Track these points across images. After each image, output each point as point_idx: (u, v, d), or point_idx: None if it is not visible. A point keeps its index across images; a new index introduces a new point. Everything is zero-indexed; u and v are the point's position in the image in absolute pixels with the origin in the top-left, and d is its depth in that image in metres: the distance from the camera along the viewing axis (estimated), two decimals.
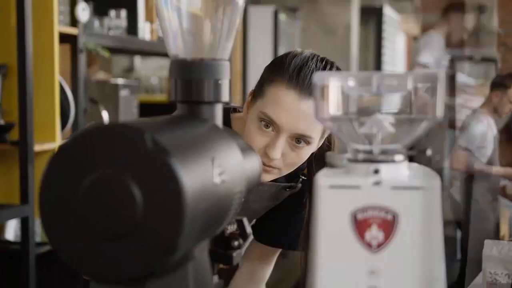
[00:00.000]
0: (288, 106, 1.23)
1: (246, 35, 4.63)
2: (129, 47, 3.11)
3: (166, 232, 0.61)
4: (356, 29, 5.85)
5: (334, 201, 0.68)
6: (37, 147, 2.39)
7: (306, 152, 1.29)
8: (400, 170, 0.70)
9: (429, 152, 4.08)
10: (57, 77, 2.48)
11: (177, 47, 0.82)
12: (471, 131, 4.39)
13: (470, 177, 4.39)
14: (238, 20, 0.84)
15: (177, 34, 0.82)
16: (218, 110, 0.81)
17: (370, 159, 0.70)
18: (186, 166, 0.62)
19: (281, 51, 5.94)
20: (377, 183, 0.68)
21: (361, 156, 0.71)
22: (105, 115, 2.93)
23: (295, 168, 1.32)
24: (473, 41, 9.49)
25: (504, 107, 4.50)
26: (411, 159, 0.73)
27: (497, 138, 4.39)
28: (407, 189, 0.67)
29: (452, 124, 4.84)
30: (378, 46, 7.23)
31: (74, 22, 2.64)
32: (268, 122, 1.25)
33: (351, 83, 0.71)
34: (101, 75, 4.56)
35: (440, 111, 0.69)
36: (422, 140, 4.34)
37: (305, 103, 1.23)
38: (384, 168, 0.69)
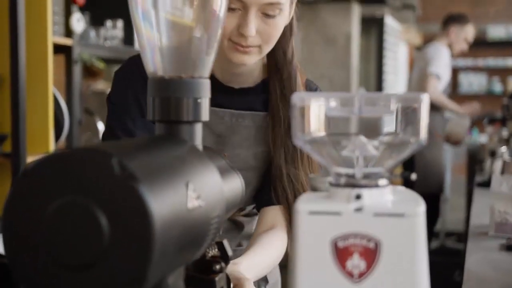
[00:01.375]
0: None
1: None
2: (125, 58, 3.08)
3: (134, 262, 0.57)
4: (357, 39, 5.83)
5: (314, 228, 0.65)
6: (30, 159, 2.36)
7: (280, 21, 1.25)
8: (383, 195, 0.67)
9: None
10: (51, 88, 2.45)
11: (155, 64, 0.79)
12: (438, 57, 4.39)
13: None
14: (219, 33, 0.81)
15: (155, 50, 0.79)
16: (198, 129, 0.78)
17: (352, 183, 0.67)
18: (156, 191, 0.59)
19: None
20: (359, 210, 0.65)
21: (343, 180, 0.68)
22: (101, 126, 2.90)
23: (274, 43, 1.27)
24: None
25: (458, 44, 4.47)
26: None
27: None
28: (390, 216, 0.64)
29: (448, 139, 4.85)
30: (379, 56, 7.21)
31: (69, 32, 2.62)
32: (231, 3, 1.20)
33: (333, 104, 0.68)
34: (100, 85, 4.54)
35: (424, 134, 0.66)
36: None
37: None
38: (366, 193, 0.66)
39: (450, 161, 6.30)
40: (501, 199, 1.95)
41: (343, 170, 0.69)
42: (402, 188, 0.73)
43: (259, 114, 1.36)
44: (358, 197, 0.66)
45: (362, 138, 0.68)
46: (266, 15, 1.22)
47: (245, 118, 1.36)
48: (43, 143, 2.42)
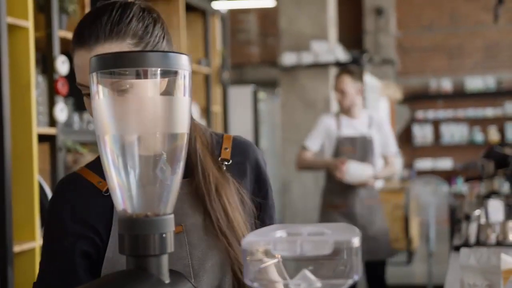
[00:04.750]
0: (84, 63, 1.20)
1: (226, 115, 4.74)
2: None
3: None
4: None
5: None
6: (17, 248, 2.43)
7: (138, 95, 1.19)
8: None
9: None
10: (36, 178, 2.54)
11: (125, 203, 0.89)
12: (313, 128, 4.25)
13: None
14: (179, 176, 0.90)
15: (124, 191, 0.88)
16: (164, 260, 0.88)
17: None
18: None
19: (262, 128, 6.10)
20: None
21: None
22: None
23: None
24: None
25: (337, 98, 4.25)
26: None
27: (340, 139, 4.20)
28: None
29: None
30: None
31: (53, 122, 2.73)
32: (85, 90, 1.22)
33: (278, 246, 0.77)
34: (88, 157, 4.62)
35: (358, 272, 0.76)
36: None
37: (95, 53, 1.19)
38: None
39: (434, 214, 6.40)
40: (470, 272, 2.03)
41: None
42: None
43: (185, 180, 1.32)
44: None
45: (307, 273, 0.78)
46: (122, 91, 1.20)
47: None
48: (29, 231, 2.50)
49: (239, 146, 1.39)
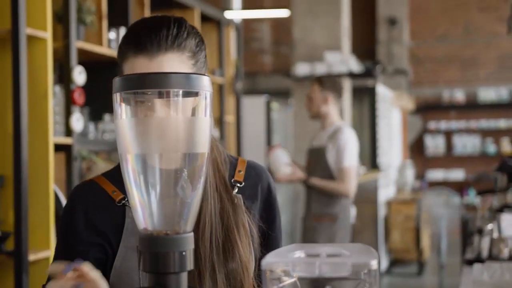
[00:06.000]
0: (139, 69, 1.21)
1: (239, 124, 4.76)
2: None
3: None
4: (349, 112, 5.98)
5: None
6: (32, 257, 2.46)
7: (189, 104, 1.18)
8: None
9: None
10: (52, 186, 2.57)
11: (146, 221, 0.90)
12: None
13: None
14: (199, 194, 0.92)
15: (145, 209, 0.90)
16: (184, 278, 0.89)
17: None
18: None
19: (275, 138, 6.11)
20: None
21: None
22: None
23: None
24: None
25: (304, 103, 4.25)
26: None
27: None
28: None
29: None
30: (372, 124, 7.35)
31: (69, 131, 2.76)
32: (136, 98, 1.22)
33: (297, 267, 0.79)
34: (102, 165, 4.65)
35: None
36: None
37: (157, 61, 1.21)
38: None
39: (445, 226, 6.39)
40: (483, 287, 2.03)
41: None
42: None
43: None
44: None
45: None
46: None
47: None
48: (44, 240, 2.53)
49: (253, 169, 1.40)
